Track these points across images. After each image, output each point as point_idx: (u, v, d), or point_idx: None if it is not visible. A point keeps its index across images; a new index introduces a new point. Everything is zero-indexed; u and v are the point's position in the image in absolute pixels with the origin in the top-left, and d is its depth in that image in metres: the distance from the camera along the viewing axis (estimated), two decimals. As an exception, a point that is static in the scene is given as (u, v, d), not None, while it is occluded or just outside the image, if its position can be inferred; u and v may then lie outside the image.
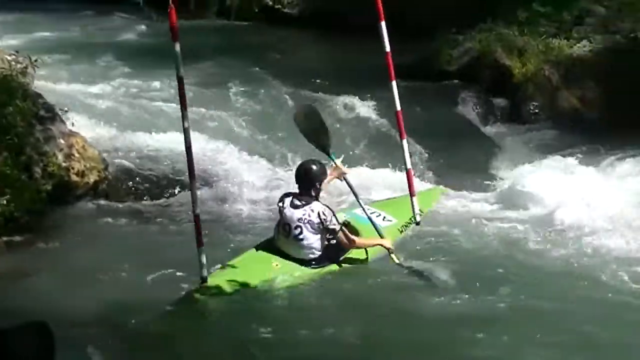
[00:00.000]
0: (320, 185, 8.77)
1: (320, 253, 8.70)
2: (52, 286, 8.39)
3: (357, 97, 14.52)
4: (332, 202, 9.72)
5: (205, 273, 8.02)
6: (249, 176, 11.87)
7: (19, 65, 11.29)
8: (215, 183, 11.60)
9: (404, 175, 10.04)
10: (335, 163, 9.24)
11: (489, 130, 15.25)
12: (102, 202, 10.95)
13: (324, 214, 8.56)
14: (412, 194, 9.59)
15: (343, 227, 8.74)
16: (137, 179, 11.40)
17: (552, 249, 9.81)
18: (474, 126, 15.11)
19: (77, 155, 10.83)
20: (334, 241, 8.77)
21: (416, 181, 10.55)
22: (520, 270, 9.05)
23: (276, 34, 20.01)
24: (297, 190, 8.79)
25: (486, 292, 8.36)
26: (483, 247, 9.79)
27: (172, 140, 11.78)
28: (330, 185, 9.33)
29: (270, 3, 21.94)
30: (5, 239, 9.54)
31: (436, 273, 8.73)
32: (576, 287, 8.72)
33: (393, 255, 8.98)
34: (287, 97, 14.73)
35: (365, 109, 14.41)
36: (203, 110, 13.57)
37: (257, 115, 14.05)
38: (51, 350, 3.87)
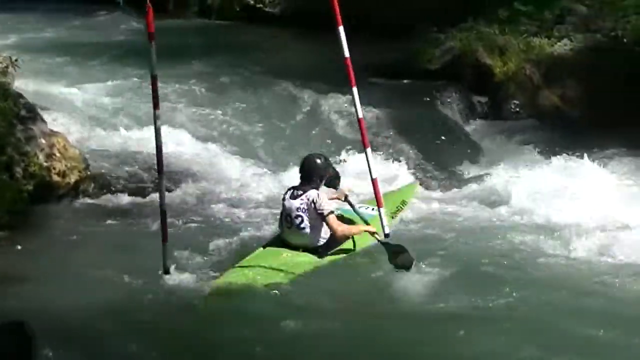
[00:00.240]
0: (321, 180, 8.99)
1: (326, 239, 8.92)
2: (33, 285, 8.37)
3: (341, 95, 14.51)
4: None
5: (168, 265, 8.26)
6: (230, 174, 11.89)
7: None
8: (194, 181, 11.64)
9: (389, 170, 10.00)
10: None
11: (471, 128, 15.30)
12: (84, 201, 10.95)
13: (317, 197, 8.79)
14: (379, 205, 9.06)
15: (333, 213, 8.90)
16: (119, 178, 11.36)
17: (532, 245, 9.83)
18: (456, 124, 15.13)
19: (58, 155, 10.80)
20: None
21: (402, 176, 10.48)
22: (501, 267, 9.03)
23: (258, 33, 19.97)
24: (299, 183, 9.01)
25: (469, 290, 8.36)
26: (463, 244, 9.79)
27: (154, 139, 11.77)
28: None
29: (252, 2, 21.89)
30: (-14, 239, 9.52)
31: (420, 270, 8.77)
32: (560, 284, 8.71)
33: (377, 236, 9.08)
34: (271, 95, 14.78)
35: (348, 105, 14.40)
36: (180, 107, 13.71)
37: (241, 113, 14.06)
38: (30, 349, 3.86)
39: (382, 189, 9.93)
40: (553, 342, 7.44)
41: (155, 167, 8.62)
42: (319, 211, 8.76)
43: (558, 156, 12.76)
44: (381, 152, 13.00)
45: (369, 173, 8.99)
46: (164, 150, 8.50)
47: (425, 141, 13.86)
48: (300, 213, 8.80)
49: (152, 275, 8.45)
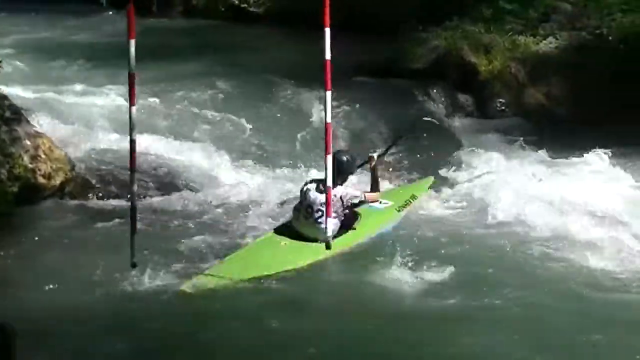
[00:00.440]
0: (346, 177, 9.42)
1: (336, 230, 9.15)
2: (17, 286, 8.40)
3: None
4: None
5: (134, 259, 8.20)
6: (214, 174, 11.90)
7: (-17, 67, 11.22)
8: (177, 180, 11.66)
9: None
10: None
11: (456, 127, 15.27)
12: (69, 202, 10.93)
13: (346, 195, 9.26)
14: (328, 214, 8.68)
15: (365, 193, 9.57)
16: (104, 178, 11.33)
17: (518, 244, 9.84)
18: (441, 123, 15.08)
19: (43, 156, 10.77)
20: (347, 211, 9.39)
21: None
22: (491, 268, 9.04)
23: (243, 33, 19.94)
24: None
25: (453, 289, 8.39)
26: (451, 244, 9.78)
27: (139, 140, 11.74)
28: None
29: (237, 2, 21.83)
30: (-29, 240, 9.48)
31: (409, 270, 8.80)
32: (547, 282, 8.77)
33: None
34: (256, 94, 14.73)
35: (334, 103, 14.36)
36: (162, 108, 13.69)
37: (226, 113, 14.01)
38: (10, 350, 3.84)
39: (368, 186, 9.98)
40: (552, 342, 7.54)
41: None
42: (355, 202, 9.28)
43: (544, 154, 12.79)
44: (364, 151, 12.98)
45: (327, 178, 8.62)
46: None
47: (410, 140, 13.81)
48: (323, 209, 8.84)
49: (130, 273, 8.44)
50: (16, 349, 3.91)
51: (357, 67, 15.96)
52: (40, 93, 13.73)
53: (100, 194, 11.16)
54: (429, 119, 13.86)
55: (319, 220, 9.04)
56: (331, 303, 8.40)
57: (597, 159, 12.69)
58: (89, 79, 15.01)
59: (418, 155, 13.44)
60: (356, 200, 9.38)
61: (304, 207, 9.20)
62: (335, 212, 9.03)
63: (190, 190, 11.49)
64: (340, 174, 9.22)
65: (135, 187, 8.31)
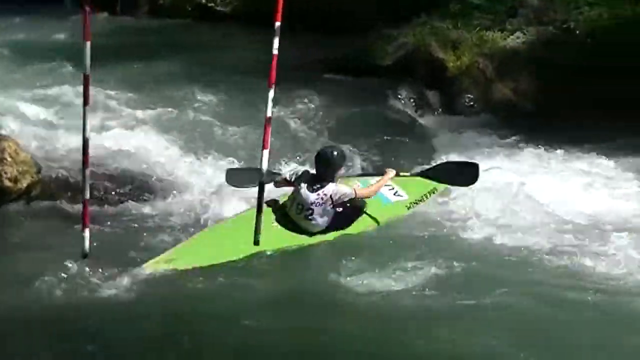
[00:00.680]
0: (336, 172, 9.40)
1: (326, 227, 9.38)
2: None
3: (296, 92, 14.44)
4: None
5: (87, 250, 8.44)
6: (177, 172, 11.80)
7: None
8: (148, 180, 11.54)
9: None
10: None
11: (425, 123, 15.24)
12: (36, 205, 10.80)
13: (336, 194, 9.28)
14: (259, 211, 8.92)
15: (355, 189, 9.58)
16: (70, 181, 11.21)
17: (484, 241, 9.80)
18: (410, 120, 15.10)
19: (9, 159, 10.67)
20: (340, 209, 9.45)
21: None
22: (474, 268, 8.96)
23: (210, 32, 19.91)
24: (315, 172, 9.45)
25: (432, 289, 8.35)
26: (427, 244, 9.69)
27: (105, 141, 11.89)
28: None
29: (203, 1, 21.84)
30: None
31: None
32: (539, 283, 8.74)
33: (402, 173, 10.37)
34: (225, 93, 14.74)
35: (303, 100, 14.36)
36: (129, 110, 13.54)
37: (193, 111, 13.98)
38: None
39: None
40: (545, 343, 7.50)
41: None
42: (346, 200, 9.33)
43: (512, 148, 12.82)
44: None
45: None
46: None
47: (378, 138, 13.79)
48: (313, 207, 9.27)
49: (110, 274, 8.41)
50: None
51: (325, 65, 15.95)
52: (3, 96, 13.63)
53: (67, 196, 11.04)
54: (397, 116, 13.86)
55: (309, 217, 9.25)
56: (311, 301, 8.30)
57: (567, 154, 12.75)
58: (52, 79, 14.91)
59: (385, 153, 13.37)
60: (346, 199, 9.43)
61: (295, 201, 9.34)
62: (324, 210, 9.27)
63: (155, 188, 11.37)
64: (329, 167, 9.33)
65: (87, 183, 8.62)
